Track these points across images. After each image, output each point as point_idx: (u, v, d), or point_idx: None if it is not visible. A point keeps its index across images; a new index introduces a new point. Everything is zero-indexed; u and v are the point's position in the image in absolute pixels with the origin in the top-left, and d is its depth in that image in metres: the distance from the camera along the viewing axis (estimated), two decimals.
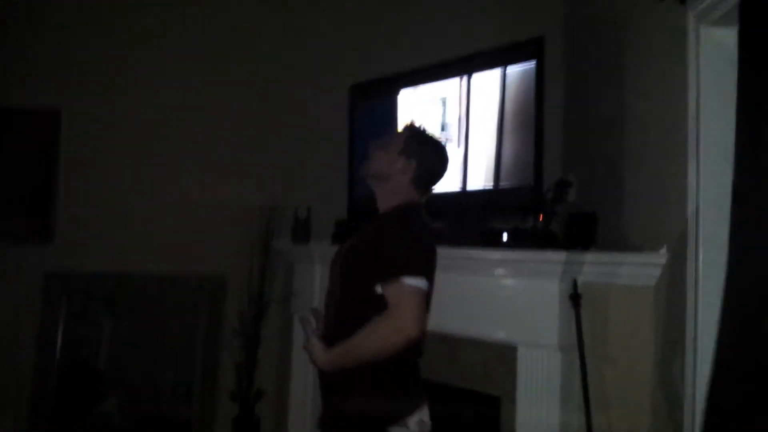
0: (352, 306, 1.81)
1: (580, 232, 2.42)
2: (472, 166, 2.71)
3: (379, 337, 1.66)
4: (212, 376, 3.43)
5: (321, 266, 3.13)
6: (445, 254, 2.55)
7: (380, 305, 1.69)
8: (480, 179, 2.68)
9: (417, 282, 1.68)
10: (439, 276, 2.58)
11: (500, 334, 2.37)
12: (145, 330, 3.57)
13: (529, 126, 2.50)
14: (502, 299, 2.37)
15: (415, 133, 1.98)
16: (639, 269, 2.13)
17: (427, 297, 1.73)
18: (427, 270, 1.75)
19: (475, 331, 2.47)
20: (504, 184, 2.61)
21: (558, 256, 2.18)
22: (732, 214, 1.43)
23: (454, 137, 2.77)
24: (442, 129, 2.82)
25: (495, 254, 2.38)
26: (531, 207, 2.43)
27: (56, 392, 3.43)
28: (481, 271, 2.47)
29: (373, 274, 1.72)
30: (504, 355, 2.38)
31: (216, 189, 3.57)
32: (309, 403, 3.14)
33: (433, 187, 2.00)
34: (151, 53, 3.62)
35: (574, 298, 2.23)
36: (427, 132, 2.03)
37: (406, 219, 1.85)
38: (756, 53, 1.36)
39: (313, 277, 3.14)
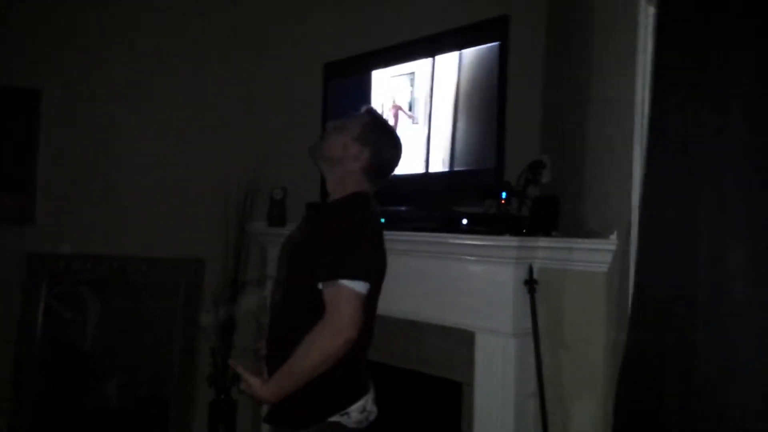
0: (295, 299, 1.79)
1: (542, 217, 2.40)
2: (434, 147, 2.67)
3: (319, 347, 1.63)
4: (191, 359, 3.45)
5: None
6: (408, 239, 2.57)
7: (321, 302, 1.67)
8: (442, 161, 2.64)
9: (355, 285, 1.65)
10: (404, 261, 2.60)
11: (460, 321, 2.36)
12: (126, 311, 3.59)
13: (493, 108, 2.45)
14: (462, 285, 2.35)
15: (374, 120, 1.93)
16: (592, 255, 2.10)
17: (367, 298, 1.69)
18: (368, 271, 1.71)
19: (437, 317, 2.46)
20: (465, 166, 2.57)
21: (512, 242, 2.16)
22: (642, 200, 1.41)
23: (420, 116, 2.73)
24: (410, 107, 2.79)
25: (454, 239, 2.35)
26: (492, 190, 2.39)
27: (39, 374, 3.47)
28: (443, 256, 2.45)
29: (314, 272, 1.69)
30: (465, 341, 2.37)
31: (194, 169, 3.56)
32: None
33: (384, 178, 1.94)
34: (127, 36, 3.61)
35: (530, 284, 2.21)
36: (385, 122, 1.98)
37: (352, 213, 1.80)
38: (669, 34, 1.32)
39: None
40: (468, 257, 2.32)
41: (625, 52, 1.95)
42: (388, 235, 2.66)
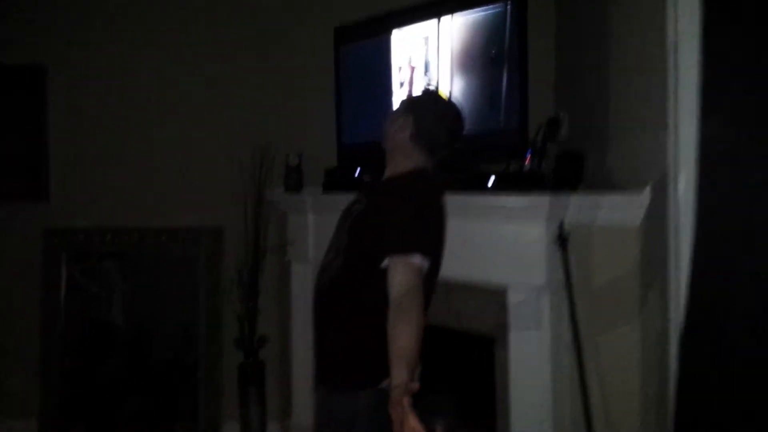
0: (353, 269, 1.79)
1: (567, 173, 2.43)
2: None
3: (405, 321, 1.58)
4: (216, 325, 3.50)
5: (314, 215, 3.15)
6: None
7: (378, 279, 1.68)
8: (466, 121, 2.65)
9: (414, 260, 1.66)
10: None
11: (490, 277, 2.41)
12: (148, 282, 3.64)
13: (514, 66, 2.46)
14: (492, 243, 2.39)
15: (423, 93, 1.98)
16: (624, 210, 2.15)
17: (427, 274, 1.70)
18: (429, 247, 1.72)
19: (467, 275, 2.50)
20: (487, 126, 2.59)
21: (544, 199, 2.20)
22: (701, 158, 1.44)
23: (437, 78, 2.73)
24: (426, 69, 2.78)
25: (483, 199, 2.39)
26: (517, 149, 2.42)
27: (65, 349, 3.53)
28: (470, 215, 2.48)
29: (375, 249, 1.70)
30: (496, 297, 2.43)
31: (207, 137, 3.56)
32: (310, 346, 3.22)
33: (438, 148, 1.92)
34: (135, 4, 3.56)
35: (561, 241, 2.26)
36: (435, 94, 1.99)
37: (411, 190, 1.82)
38: None
39: (306, 226, 3.16)
40: (497, 215, 2.36)
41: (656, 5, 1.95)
42: None
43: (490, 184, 2.38)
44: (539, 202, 2.20)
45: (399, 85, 2.84)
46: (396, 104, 2.79)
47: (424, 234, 1.74)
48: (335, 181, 3.03)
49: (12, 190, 3.61)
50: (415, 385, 1.49)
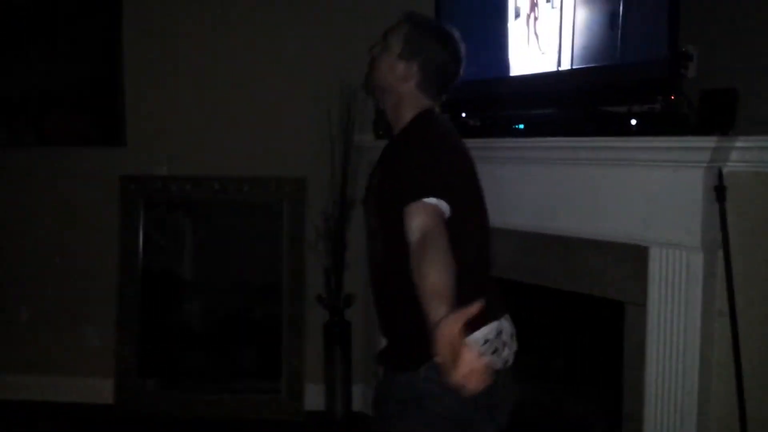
0: (394, 246, 1.52)
1: (717, 114, 2.08)
2: (580, 37, 2.32)
3: (426, 264, 1.36)
4: (300, 279, 3.30)
5: None
6: (555, 145, 2.30)
7: None
8: (586, 53, 2.31)
9: (430, 201, 1.43)
10: (546, 171, 2.34)
11: (627, 234, 2.10)
12: (229, 233, 3.45)
13: None
14: (631, 195, 2.08)
15: (414, 27, 1.66)
16: None
17: (458, 219, 1.48)
18: (443, 187, 1.48)
19: (594, 231, 2.21)
20: (624, 58, 2.23)
21: (706, 142, 1.86)
22: None
23: (565, 3, 2.38)
24: None
25: (623, 143, 2.06)
26: (665, 85, 2.07)
27: (142, 299, 3.39)
28: (601, 162, 2.17)
29: (397, 206, 1.46)
30: (630, 256, 2.12)
31: (292, 80, 3.31)
32: None
33: (449, 84, 1.70)
34: None
35: (720, 191, 1.93)
36: (429, 22, 1.73)
37: (417, 135, 1.59)
38: None
39: None
40: (641, 162, 2.03)
41: None
42: (528, 142, 2.42)
43: (633, 126, 2.05)
44: (702, 144, 1.86)
45: (514, 15, 2.50)
46: (514, 36, 2.48)
47: (436, 176, 1.50)
48: None
49: (87, 134, 3.44)
50: (472, 309, 1.18)
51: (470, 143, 2.58)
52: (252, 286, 3.45)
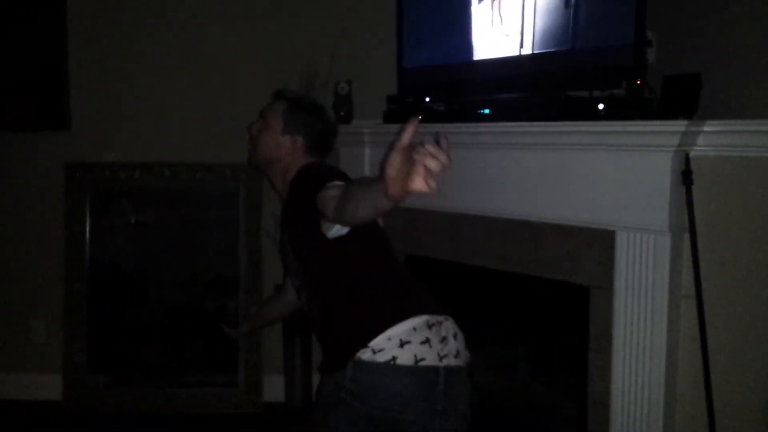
0: (325, 281, 1.66)
1: (680, 99, 2.09)
2: (541, 21, 2.30)
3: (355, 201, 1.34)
4: (257, 270, 3.21)
5: (371, 150, 2.83)
6: (521, 130, 2.28)
7: (343, 247, 1.58)
8: (549, 37, 2.29)
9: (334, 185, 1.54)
10: (513, 155, 2.32)
11: (593, 218, 2.10)
12: (179, 223, 3.33)
13: None
14: (596, 180, 2.08)
15: (290, 104, 1.87)
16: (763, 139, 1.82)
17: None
18: (340, 177, 1.64)
19: (560, 216, 2.20)
20: (588, 42, 2.22)
21: (675, 127, 1.86)
22: None
23: None
24: None
25: (594, 127, 2.05)
26: (631, 70, 2.07)
27: (91, 291, 3.24)
28: (567, 147, 2.16)
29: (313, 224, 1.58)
30: (596, 241, 2.13)
31: (248, 63, 3.20)
32: None
33: (330, 145, 1.93)
34: None
35: (686, 176, 1.94)
36: (301, 96, 1.95)
37: (310, 167, 1.77)
38: None
39: (363, 161, 2.84)
40: (608, 147, 2.03)
41: None
42: (494, 127, 2.40)
43: (600, 111, 2.05)
44: (671, 128, 1.86)
45: None
46: (478, 20, 2.45)
47: (330, 175, 1.64)
48: (400, 109, 2.68)
49: (31, 120, 3.26)
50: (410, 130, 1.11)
51: (435, 128, 2.57)
52: (207, 277, 3.34)
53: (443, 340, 1.55)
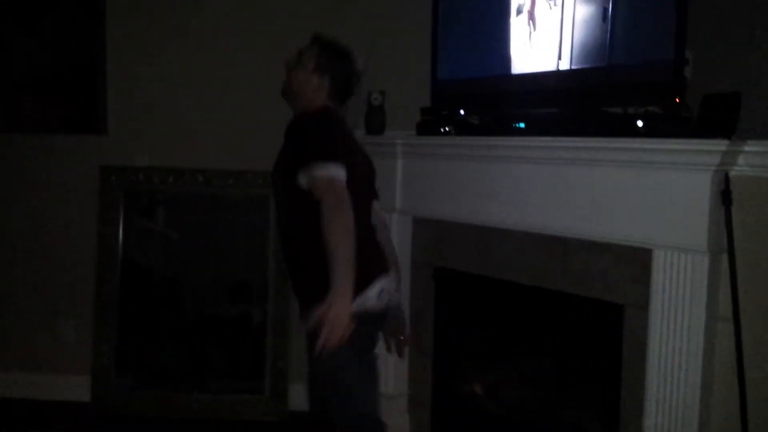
0: (297, 212, 1.94)
1: (718, 117, 2.06)
2: (579, 36, 2.28)
3: (335, 230, 1.73)
4: (285, 277, 3.21)
5: (404, 161, 2.83)
6: (556, 145, 2.26)
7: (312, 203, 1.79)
8: (587, 53, 2.28)
9: (328, 168, 1.80)
10: (547, 170, 2.30)
11: (629, 236, 2.08)
12: (210, 229, 3.36)
13: None
14: (631, 196, 2.05)
15: (325, 47, 2.10)
16: None
17: (352, 184, 1.83)
18: (340, 156, 1.84)
19: (593, 232, 2.18)
20: (626, 58, 2.20)
21: (714, 146, 1.84)
22: None
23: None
24: None
25: (627, 144, 2.03)
26: (670, 87, 2.05)
27: (121, 294, 3.28)
28: (603, 163, 2.14)
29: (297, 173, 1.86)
30: (632, 259, 2.10)
31: (279, 72, 3.19)
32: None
33: (349, 93, 2.15)
34: None
35: (726, 195, 1.91)
36: (334, 42, 2.13)
37: (322, 120, 1.99)
38: None
39: (395, 172, 2.84)
40: (646, 164, 2.01)
41: None
42: (530, 141, 2.38)
43: (639, 127, 2.03)
44: (711, 148, 1.84)
45: (516, 12, 2.46)
46: (515, 33, 2.44)
47: (335, 146, 1.88)
48: (434, 121, 2.67)
49: (67, 122, 3.32)
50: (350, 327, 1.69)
51: (469, 141, 2.58)
52: (236, 283, 3.35)
53: (389, 293, 2.00)
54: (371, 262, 1.93)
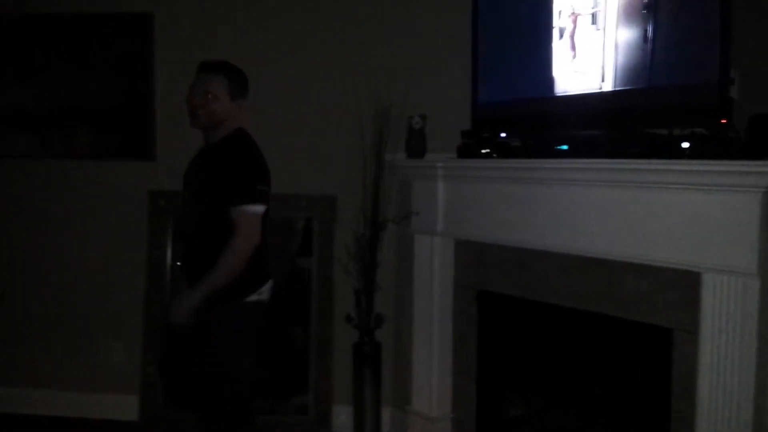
0: (206, 218, 2.24)
1: (766, 138, 2.04)
2: (623, 57, 2.28)
3: (236, 255, 2.15)
4: (329, 299, 3.26)
5: (445, 183, 2.85)
6: (601, 167, 2.25)
7: (226, 220, 2.16)
8: (630, 74, 2.27)
9: (256, 208, 2.19)
10: (592, 192, 2.29)
11: (676, 258, 2.05)
12: None
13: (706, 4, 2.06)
14: (677, 218, 2.04)
15: (229, 74, 2.30)
16: None
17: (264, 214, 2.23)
18: (264, 194, 2.22)
19: (638, 255, 2.17)
20: (668, 80, 2.19)
21: (763, 167, 1.82)
22: None
23: (604, 21, 2.34)
24: (593, 19, 2.40)
25: (674, 166, 2.02)
26: (716, 109, 2.03)
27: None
28: (648, 185, 2.13)
29: (226, 201, 2.16)
30: (680, 282, 2.08)
31: (324, 97, 3.27)
32: (434, 327, 2.95)
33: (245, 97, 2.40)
34: None
35: None
36: (239, 71, 2.35)
37: (247, 144, 2.31)
38: None
39: (436, 194, 2.86)
40: (692, 186, 1.99)
41: None
42: (574, 163, 2.37)
43: (684, 149, 2.01)
44: (760, 169, 1.82)
45: (559, 35, 2.47)
46: (558, 56, 2.45)
47: (261, 183, 2.23)
48: (475, 144, 2.69)
49: (118, 149, 3.43)
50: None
51: (511, 164, 2.58)
52: (279, 304, 3.38)
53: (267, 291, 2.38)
54: (265, 265, 2.36)
